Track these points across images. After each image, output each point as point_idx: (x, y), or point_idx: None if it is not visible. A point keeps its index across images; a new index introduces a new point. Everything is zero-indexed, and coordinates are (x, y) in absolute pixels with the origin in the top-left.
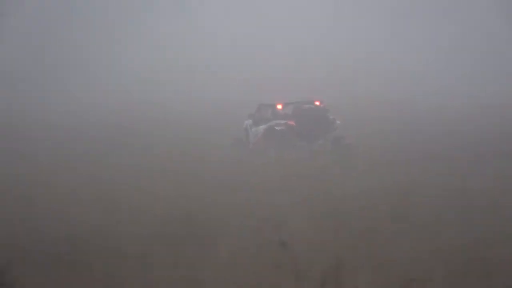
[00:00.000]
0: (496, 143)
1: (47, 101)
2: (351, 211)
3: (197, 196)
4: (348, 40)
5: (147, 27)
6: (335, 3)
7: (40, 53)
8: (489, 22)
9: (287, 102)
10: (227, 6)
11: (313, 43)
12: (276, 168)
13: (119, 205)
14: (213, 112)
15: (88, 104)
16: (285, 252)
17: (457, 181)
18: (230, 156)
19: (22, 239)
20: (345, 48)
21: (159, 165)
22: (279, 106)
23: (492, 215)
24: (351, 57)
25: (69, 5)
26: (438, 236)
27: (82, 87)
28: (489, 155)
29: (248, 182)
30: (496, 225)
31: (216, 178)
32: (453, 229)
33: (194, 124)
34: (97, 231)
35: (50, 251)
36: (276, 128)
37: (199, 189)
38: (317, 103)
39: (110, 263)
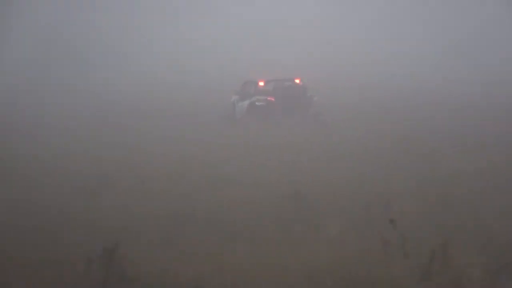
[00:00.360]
0: None
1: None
2: (457, 190)
3: (300, 173)
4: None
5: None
6: None
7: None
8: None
9: (269, 80)
10: None
11: (312, 34)
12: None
13: (220, 184)
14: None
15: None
16: (394, 229)
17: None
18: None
19: (130, 219)
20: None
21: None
22: (261, 83)
23: None
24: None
25: None
26: None
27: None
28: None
29: (348, 161)
30: None
31: (307, 154)
32: None
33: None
34: (203, 209)
35: (158, 230)
36: (257, 103)
37: (298, 168)
38: (297, 81)
39: (217, 241)
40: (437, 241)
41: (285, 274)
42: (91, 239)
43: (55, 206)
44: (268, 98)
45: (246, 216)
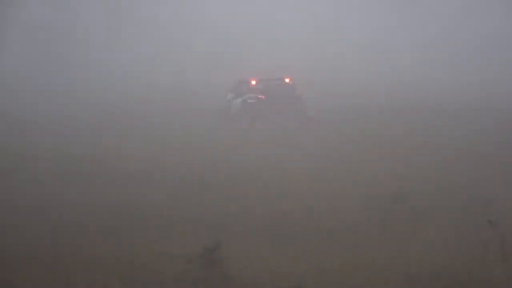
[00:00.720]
0: None
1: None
2: None
3: (402, 174)
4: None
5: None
6: None
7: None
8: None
9: (260, 79)
10: None
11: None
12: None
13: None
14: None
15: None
16: (493, 231)
17: None
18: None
19: (229, 220)
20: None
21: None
22: (253, 82)
23: None
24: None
25: None
26: None
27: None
28: None
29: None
30: None
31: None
32: None
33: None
34: (299, 210)
35: (254, 230)
36: (248, 101)
37: (398, 168)
38: (287, 80)
39: (314, 238)
40: None
41: (384, 275)
42: (191, 239)
43: (155, 206)
44: (259, 96)
45: (339, 216)
